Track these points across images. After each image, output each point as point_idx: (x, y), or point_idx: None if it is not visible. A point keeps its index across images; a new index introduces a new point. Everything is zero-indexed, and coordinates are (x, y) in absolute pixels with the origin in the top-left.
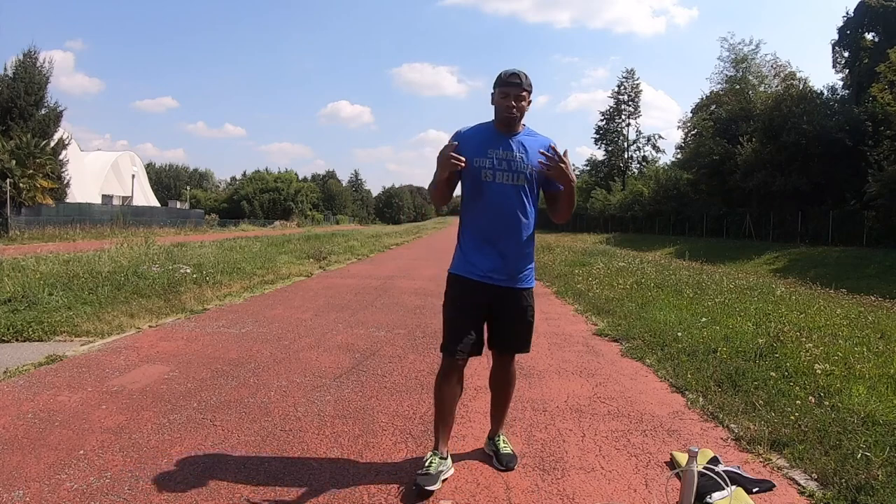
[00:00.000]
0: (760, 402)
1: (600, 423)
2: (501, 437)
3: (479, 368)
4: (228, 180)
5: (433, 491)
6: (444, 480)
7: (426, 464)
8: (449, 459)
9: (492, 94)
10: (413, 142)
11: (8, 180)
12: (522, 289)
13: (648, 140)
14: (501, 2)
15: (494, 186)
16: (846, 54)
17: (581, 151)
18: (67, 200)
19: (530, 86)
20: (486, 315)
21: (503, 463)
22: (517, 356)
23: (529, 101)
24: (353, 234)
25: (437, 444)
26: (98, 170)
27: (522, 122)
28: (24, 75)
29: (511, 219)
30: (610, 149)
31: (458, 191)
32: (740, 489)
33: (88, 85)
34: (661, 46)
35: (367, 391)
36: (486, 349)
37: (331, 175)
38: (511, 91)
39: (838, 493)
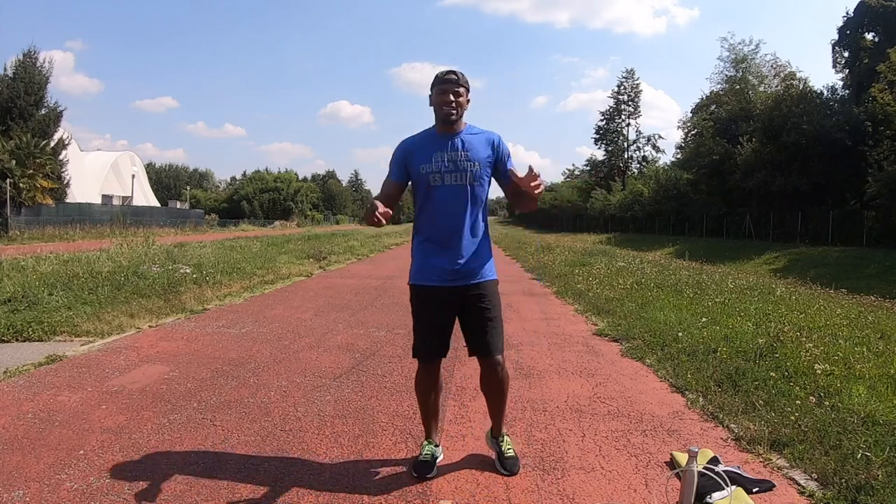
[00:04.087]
0: (760, 402)
1: (600, 423)
2: (506, 438)
3: (478, 369)
4: (228, 180)
5: (432, 477)
6: (437, 462)
7: (423, 452)
8: (440, 447)
9: (429, 96)
10: None
11: (8, 180)
12: (483, 282)
13: (648, 140)
14: (501, 2)
15: (443, 189)
16: (846, 54)
17: (581, 151)
18: (67, 200)
19: (467, 83)
20: (453, 318)
21: (507, 468)
22: (518, 358)
23: (468, 100)
24: (353, 234)
25: (429, 433)
26: (98, 170)
27: (464, 120)
28: (24, 75)
29: (463, 218)
30: (610, 149)
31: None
32: (740, 489)
33: (88, 85)
34: (661, 46)
35: (367, 391)
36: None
37: (331, 175)
38: (448, 87)
39: (838, 493)
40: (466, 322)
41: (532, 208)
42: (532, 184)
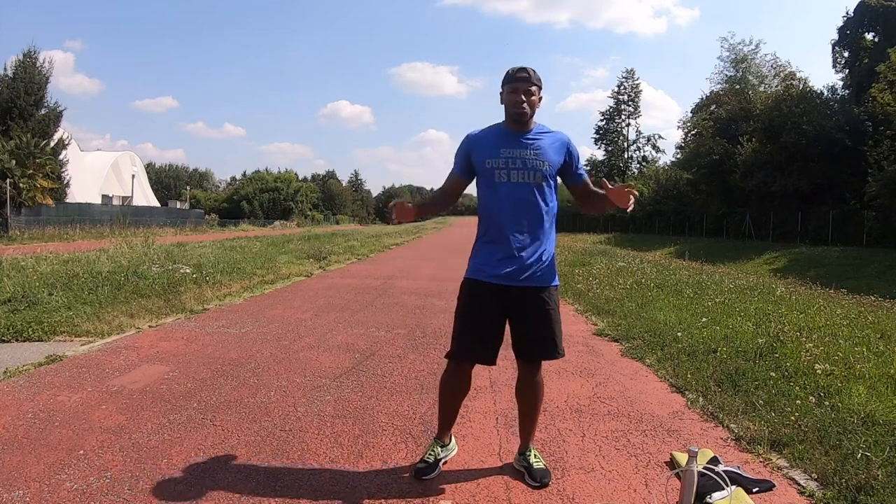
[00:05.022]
0: (760, 402)
1: (600, 423)
2: (533, 451)
3: (479, 368)
4: (228, 180)
5: (431, 479)
6: (444, 462)
7: (428, 452)
8: (452, 442)
9: (500, 93)
10: (413, 142)
11: (8, 180)
12: (542, 287)
13: (648, 140)
14: (501, 2)
15: (509, 186)
16: (846, 54)
17: (581, 151)
18: (67, 200)
19: (539, 80)
20: (503, 320)
21: (537, 479)
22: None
23: (540, 98)
24: (354, 234)
25: (441, 434)
26: (98, 170)
27: (534, 119)
28: (24, 75)
29: (528, 217)
30: (610, 149)
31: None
32: (740, 489)
33: (88, 85)
34: (661, 46)
35: (367, 391)
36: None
37: (331, 175)
38: (520, 86)
39: (838, 493)
40: (517, 322)
41: (600, 212)
42: (629, 202)
